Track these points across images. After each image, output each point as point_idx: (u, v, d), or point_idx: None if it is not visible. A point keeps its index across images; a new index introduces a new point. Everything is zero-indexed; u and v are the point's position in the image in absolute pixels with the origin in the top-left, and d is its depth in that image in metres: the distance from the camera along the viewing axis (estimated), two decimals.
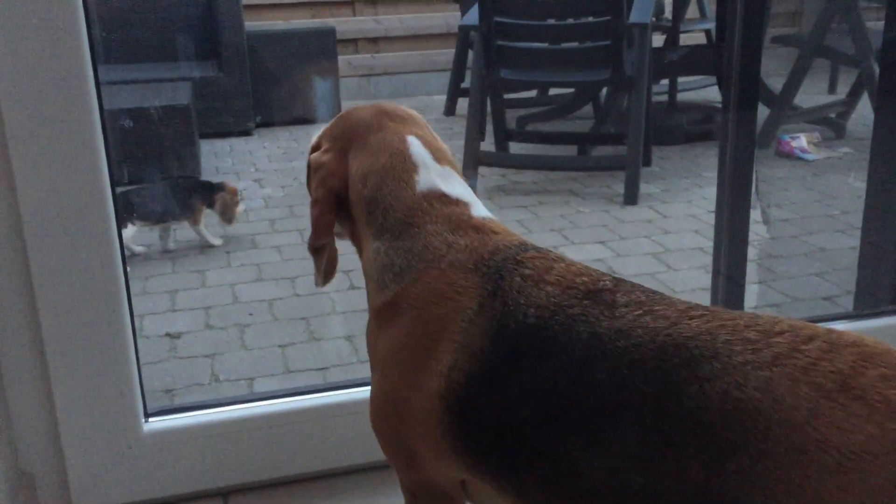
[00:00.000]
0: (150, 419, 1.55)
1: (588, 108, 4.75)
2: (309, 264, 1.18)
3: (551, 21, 3.98)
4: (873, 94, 3.85)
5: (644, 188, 3.78)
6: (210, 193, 3.21)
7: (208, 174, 3.90)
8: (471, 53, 4.23)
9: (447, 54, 4.96)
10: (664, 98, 4.81)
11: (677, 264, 3.04)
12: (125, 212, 2.96)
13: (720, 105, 4.08)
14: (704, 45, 5.00)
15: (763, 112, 3.92)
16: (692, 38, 5.04)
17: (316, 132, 1.22)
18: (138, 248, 3.15)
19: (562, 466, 0.91)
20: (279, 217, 3.50)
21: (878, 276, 2.15)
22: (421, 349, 1.01)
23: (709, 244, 2.89)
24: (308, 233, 1.14)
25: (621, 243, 3.27)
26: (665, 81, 4.75)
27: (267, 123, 4.71)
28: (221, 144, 4.42)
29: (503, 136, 4.13)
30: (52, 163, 1.36)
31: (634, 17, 3.73)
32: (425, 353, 1.00)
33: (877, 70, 3.74)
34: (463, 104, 4.35)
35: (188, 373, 2.34)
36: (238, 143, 4.48)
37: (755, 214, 3.16)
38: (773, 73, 4.28)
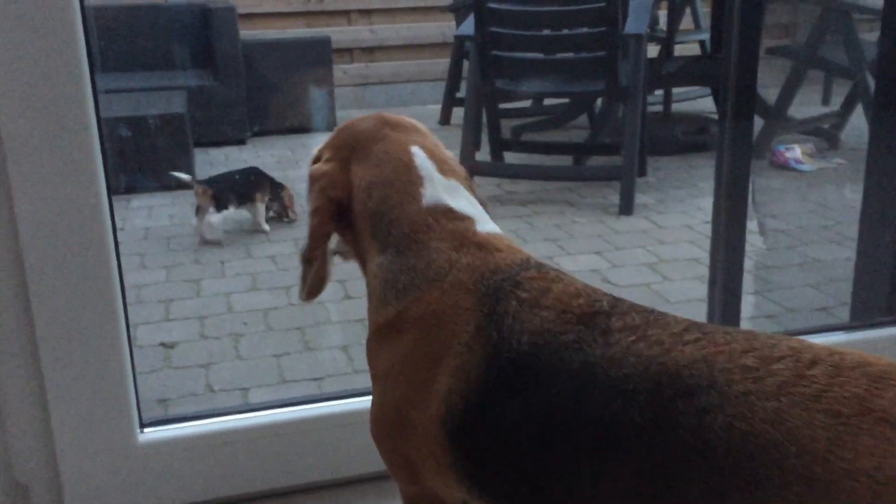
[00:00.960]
0: (145, 430, 1.55)
1: (583, 119, 4.76)
2: None
3: (547, 32, 3.99)
4: (867, 105, 3.87)
5: (639, 198, 3.78)
6: (277, 189, 3.53)
7: None
8: (466, 63, 4.24)
9: (442, 64, 4.96)
10: (659, 108, 4.82)
11: (672, 275, 3.04)
12: (216, 199, 3.32)
13: (715, 116, 4.10)
14: (699, 56, 5.01)
15: (758, 123, 3.92)
16: (687, 49, 5.05)
17: (312, 142, 1.21)
18: (213, 237, 3.37)
19: (558, 498, 0.90)
20: (274, 226, 3.50)
21: (873, 286, 2.15)
22: (422, 370, 1.00)
23: (704, 255, 2.90)
24: (303, 242, 1.13)
25: (616, 254, 3.27)
26: (660, 92, 4.77)
27: (262, 132, 4.71)
28: (216, 153, 4.42)
29: (498, 146, 4.14)
30: (49, 171, 1.36)
31: (630, 27, 3.74)
32: (426, 374, 1.00)
33: (870, 81, 3.75)
34: (458, 114, 4.36)
35: (183, 383, 2.34)
36: (233, 151, 4.48)
37: (751, 225, 3.16)
38: (768, 85, 4.29)
